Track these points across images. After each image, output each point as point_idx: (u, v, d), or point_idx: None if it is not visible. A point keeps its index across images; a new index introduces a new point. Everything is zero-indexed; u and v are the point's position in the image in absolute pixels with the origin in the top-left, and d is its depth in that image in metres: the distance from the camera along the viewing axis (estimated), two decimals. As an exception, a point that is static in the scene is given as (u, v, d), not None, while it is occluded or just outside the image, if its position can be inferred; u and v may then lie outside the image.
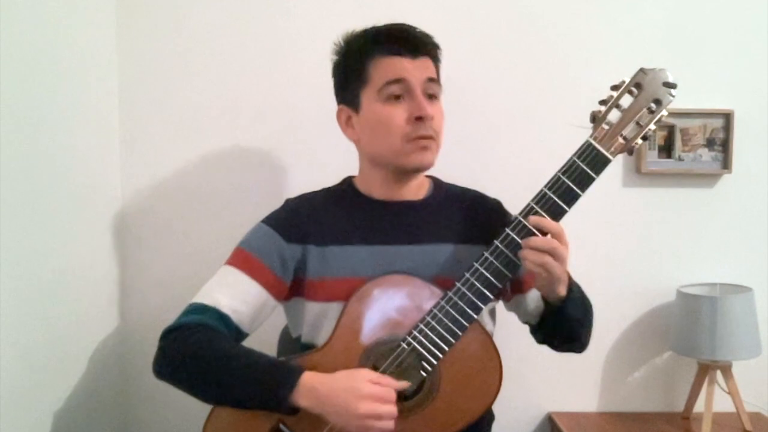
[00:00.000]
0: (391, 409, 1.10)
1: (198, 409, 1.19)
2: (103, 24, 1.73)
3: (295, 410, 1.11)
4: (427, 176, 1.38)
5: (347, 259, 1.25)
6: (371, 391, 1.09)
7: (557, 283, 1.17)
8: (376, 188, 1.31)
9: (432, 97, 1.26)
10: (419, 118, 1.21)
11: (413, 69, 1.23)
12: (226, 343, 1.18)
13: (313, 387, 1.10)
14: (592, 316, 1.33)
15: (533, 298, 1.34)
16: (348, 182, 1.37)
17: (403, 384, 1.14)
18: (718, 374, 1.77)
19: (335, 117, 1.33)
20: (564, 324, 1.26)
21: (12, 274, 1.30)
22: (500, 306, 1.40)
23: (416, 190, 1.33)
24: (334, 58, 1.32)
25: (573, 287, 1.23)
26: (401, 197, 1.31)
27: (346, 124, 1.31)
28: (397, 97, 1.23)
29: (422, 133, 1.22)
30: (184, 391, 1.18)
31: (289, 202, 1.35)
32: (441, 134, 1.27)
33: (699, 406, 1.81)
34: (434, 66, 1.28)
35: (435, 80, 1.26)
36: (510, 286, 1.34)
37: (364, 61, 1.25)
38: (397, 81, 1.22)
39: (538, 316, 1.33)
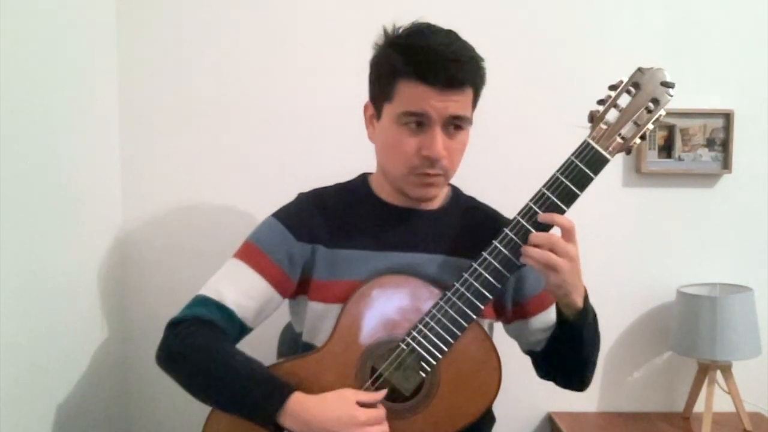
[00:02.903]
0: (385, 429, 1.11)
1: (198, 411, 1.19)
2: (103, 24, 1.73)
3: (280, 428, 1.10)
4: (448, 184, 1.36)
5: (354, 263, 1.25)
6: (366, 416, 1.09)
7: (571, 288, 1.15)
8: (389, 192, 1.30)
9: (457, 127, 1.20)
10: (427, 157, 1.18)
11: (438, 103, 1.15)
12: (224, 349, 1.18)
13: (301, 411, 1.09)
14: (599, 349, 1.30)
15: (537, 327, 1.33)
16: (363, 180, 1.35)
17: (383, 393, 1.14)
18: (718, 374, 1.77)
19: (362, 110, 1.30)
20: (576, 345, 1.24)
21: (13, 278, 1.30)
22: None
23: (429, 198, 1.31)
24: (373, 52, 1.25)
25: (588, 304, 1.22)
26: (414, 205, 1.29)
27: (369, 121, 1.29)
28: (418, 124, 1.18)
29: (428, 171, 1.19)
30: (179, 385, 1.19)
31: (301, 197, 1.34)
32: (454, 168, 1.23)
33: (699, 406, 1.81)
34: (471, 96, 1.20)
35: (460, 117, 1.19)
36: (513, 310, 1.33)
37: (392, 76, 1.18)
38: (417, 114, 1.16)
39: (544, 342, 1.32)
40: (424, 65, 1.15)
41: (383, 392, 1.14)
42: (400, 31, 1.22)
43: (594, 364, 1.31)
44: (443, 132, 1.18)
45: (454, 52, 1.16)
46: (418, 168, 1.20)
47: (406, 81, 1.17)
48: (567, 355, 1.28)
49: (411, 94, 1.17)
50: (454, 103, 1.17)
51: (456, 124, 1.20)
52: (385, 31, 1.24)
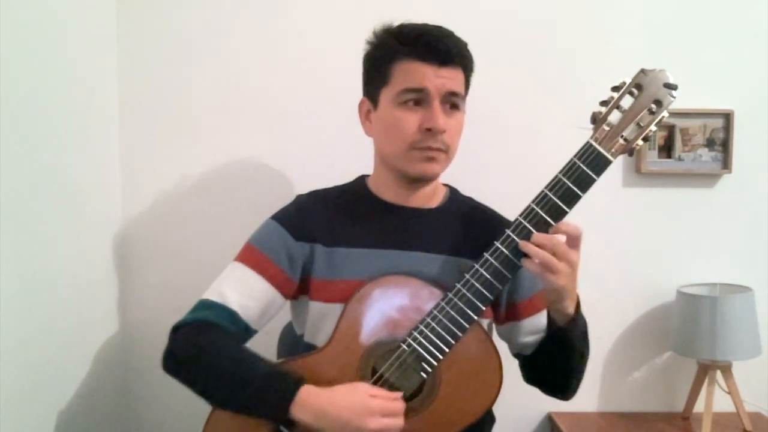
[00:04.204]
0: (400, 423, 1.10)
1: (198, 411, 1.19)
2: (103, 24, 1.72)
3: (292, 422, 1.10)
4: (445, 185, 1.37)
5: (354, 262, 1.25)
6: (380, 407, 1.09)
7: (566, 294, 1.15)
8: (388, 190, 1.30)
9: (453, 106, 1.23)
10: (429, 130, 1.20)
11: (435, 79, 1.20)
12: (230, 347, 1.18)
13: (313, 401, 1.09)
14: (587, 359, 1.29)
15: (528, 330, 1.33)
16: (361, 181, 1.36)
17: (398, 394, 1.13)
18: (718, 374, 1.77)
19: (357, 108, 1.32)
20: (564, 352, 1.24)
21: (13, 278, 1.30)
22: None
23: (430, 196, 1.32)
24: (366, 48, 1.30)
25: (580, 312, 1.22)
26: (413, 203, 1.30)
27: (365, 117, 1.31)
28: (416, 102, 1.21)
29: (430, 144, 1.21)
30: (188, 388, 1.18)
31: (299, 198, 1.35)
32: (454, 147, 1.25)
33: (699, 406, 1.81)
34: (463, 76, 1.25)
35: (457, 94, 1.23)
36: (506, 311, 1.33)
37: (388, 60, 1.23)
38: (416, 90, 1.20)
39: (533, 346, 1.32)
40: (420, 44, 1.20)
41: (398, 394, 1.14)
42: (386, 26, 1.27)
43: (581, 373, 1.30)
44: (441, 108, 1.21)
45: (445, 32, 1.23)
46: (419, 142, 1.21)
47: (404, 61, 1.21)
48: (554, 361, 1.27)
49: (409, 72, 1.21)
50: (450, 79, 1.21)
51: (453, 102, 1.23)
52: (374, 32, 1.28)
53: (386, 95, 1.24)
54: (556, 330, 1.23)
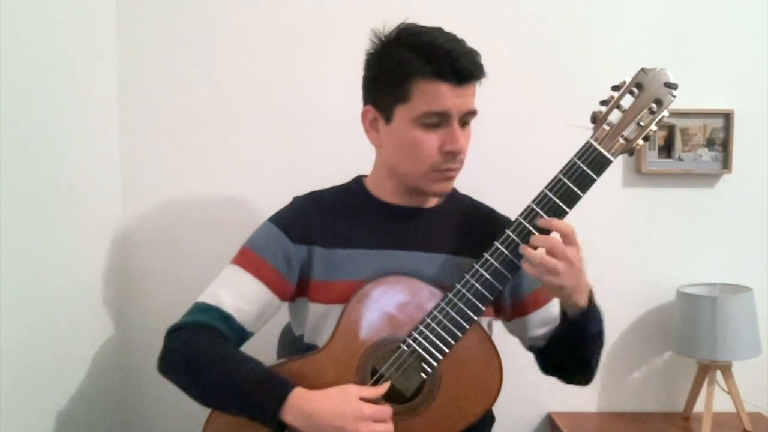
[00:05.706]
0: (389, 428, 1.10)
1: (198, 412, 1.19)
2: (103, 23, 1.72)
3: (283, 426, 1.10)
4: None
5: (352, 263, 1.25)
6: (370, 413, 1.09)
7: (571, 290, 1.15)
8: (388, 193, 1.30)
9: (465, 122, 1.22)
10: (451, 152, 1.19)
11: (456, 99, 1.16)
12: (224, 350, 1.18)
13: (303, 405, 1.09)
14: (603, 341, 1.28)
15: (537, 324, 1.33)
16: (358, 182, 1.35)
17: (385, 386, 1.14)
18: (718, 374, 1.77)
19: (360, 116, 1.27)
20: (580, 341, 1.24)
21: (13, 278, 1.30)
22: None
23: (428, 197, 1.31)
24: (371, 52, 1.24)
25: (593, 303, 1.21)
26: (412, 203, 1.30)
27: (370, 125, 1.26)
28: (435, 123, 1.18)
29: (450, 166, 1.21)
30: (182, 391, 1.18)
31: (297, 200, 1.34)
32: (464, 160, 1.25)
33: (699, 406, 1.81)
34: (475, 89, 1.22)
35: (473, 112, 1.21)
36: (511, 308, 1.33)
37: (405, 76, 1.17)
38: (440, 114, 1.17)
39: (546, 339, 1.32)
40: (442, 63, 1.15)
41: (386, 386, 1.14)
42: (395, 32, 1.22)
43: (598, 360, 1.30)
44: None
45: (462, 48, 1.18)
46: (440, 164, 1.20)
47: (424, 80, 1.16)
48: (571, 352, 1.27)
49: (431, 94, 1.16)
50: (468, 98, 1.20)
51: (467, 120, 1.22)
52: (376, 34, 1.23)
53: (404, 113, 1.19)
54: (569, 322, 1.23)
